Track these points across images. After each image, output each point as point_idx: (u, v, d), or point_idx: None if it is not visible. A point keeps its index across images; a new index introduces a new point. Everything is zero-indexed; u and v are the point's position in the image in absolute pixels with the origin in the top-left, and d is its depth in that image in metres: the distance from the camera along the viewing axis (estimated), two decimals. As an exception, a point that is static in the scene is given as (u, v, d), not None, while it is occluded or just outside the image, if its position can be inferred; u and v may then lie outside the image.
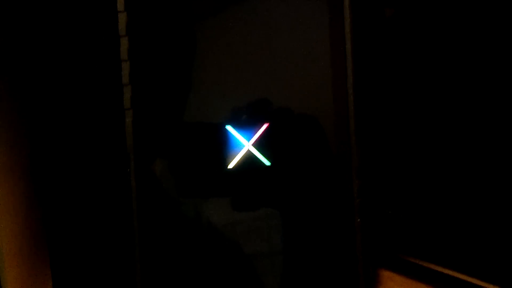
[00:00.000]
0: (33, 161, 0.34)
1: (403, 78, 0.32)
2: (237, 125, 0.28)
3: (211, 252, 0.29)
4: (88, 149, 0.35)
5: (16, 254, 0.33)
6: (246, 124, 0.28)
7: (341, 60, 0.28)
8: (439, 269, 0.30)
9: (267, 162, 0.28)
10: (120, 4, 0.28)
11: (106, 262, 0.35)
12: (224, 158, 0.28)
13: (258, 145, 0.28)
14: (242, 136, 0.28)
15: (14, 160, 0.33)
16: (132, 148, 0.28)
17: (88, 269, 0.35)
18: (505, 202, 0.28)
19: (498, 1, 0.28)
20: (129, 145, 0.28)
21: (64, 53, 0.34)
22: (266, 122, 0.28)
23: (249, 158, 0.28)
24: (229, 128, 0.28)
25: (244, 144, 0.28)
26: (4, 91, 0.32)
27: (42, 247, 0.35)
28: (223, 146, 0.28)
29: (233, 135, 0.28)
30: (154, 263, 0.28)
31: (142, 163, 0.28)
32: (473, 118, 0.29)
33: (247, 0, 0.28)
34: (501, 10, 0.28)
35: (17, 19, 0.34)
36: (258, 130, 0.28)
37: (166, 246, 0.29)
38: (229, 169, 0.28)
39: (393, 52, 0.32)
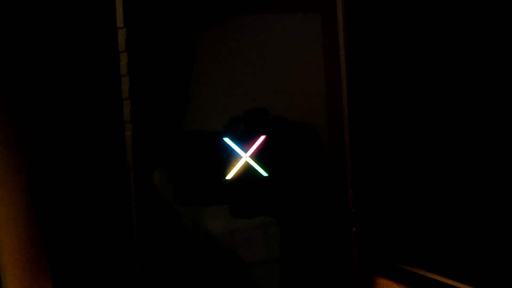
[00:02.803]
0: (34, 164, 0.35)
1: (397, 89, 0.32)
2: (235, 137, 0.29)
3: (209, 261, 0.29)
4: (89, 159, 0.35)
5: (16, 255, 0.33)
6: (244, 136, 0.29)
7: (336, 72, 0.29)
8: (435, 277, 0.31)
9: (264, 173, 0.29)
10: (120, 21, 0.28)
11: (106, 270, 0.35)
12: (222, 169, 0.29)
13: (255, 156, 0.29)
14: (240, 147, 0.29)
15: (15, 162, 0.33)
16: (131, 160, 0.29)
17: (87, 272, 0.36)
18: (501, 210, 0.29)
19: (494, 6, 0.28)
20: (129, 158, 0.29)
21: (67, 67, 0.35)
22: (263, 133, 0.29)
23: (247, 169, 0.29)
24: (227, 140, 0.29)
25: (242, 155, 0.29)
26: (4, 97, 0.33)
27: (42, 249, 0.35)
28: (221, 157, 0.29)
29: (231, 147, 0.29)
30: (153, 270, 0.29)
31: (142, 175, 0.29)
32: (467, 131, 0.30)
33: (244, 14, 0.29)
34: (497, 15, 0.28)
35: (21, 30, 0.34)
36: (255, 142, 0.29)
37: (165, 254, 0.29)
38: (227, 179, 0.29)
39: (388, 63, 0.32)
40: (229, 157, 0.29)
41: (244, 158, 0.29)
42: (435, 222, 0.31)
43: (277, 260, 0.29)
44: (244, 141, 0.29)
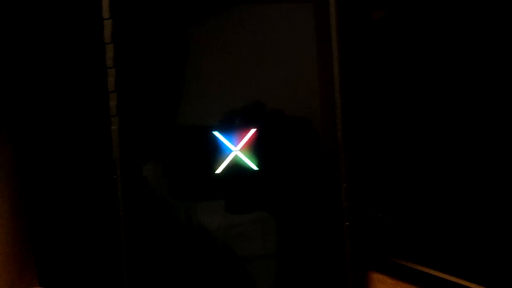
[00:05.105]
0: (19, 164, 0.34)
1: (390, 82, 0.32)
2: (225, 130, 0.28)
3: (203, 256, 0.29)
4: (76, 154, 0.35)
5: (2, 257, 0.33)
6: (235, 129, 0.28)
7: (329, 65, 0.28)
8: (430, 271, 0.30)
9: (255, 167, 0.28)
10: (106, 12, 0.28)
11: (93, 268, 0.35)
12: (212, 163, 0.28)
13: (246, 150, 0.28)
14: (230, 141, 0.28)
15: (0, 162, 0.33)
16: (118, 155, 0.28)
17: (75, 273, 0.35)
18: (496, 203, 0.29)
19: (489, 6, 0.28)
20: (115, 152, 0.28)
21: (51, 59, 0.34)
22: (254, 127, 0.28)
23: (237, 163, 0.28)
24: (216, 133, 0.28)
25: (231, 149, 0.28)
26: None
27: (28, 251, 0.35)
28: (211, 151, 0.28)
29: (220, 140, 0.28)
30: (143, 268, 0.28)
31: (129, 170, 0.28)
32: (459, 123, 0.30)
33: (236, 6, 0.28)
34: (492, 15, 0.28)
35: (6, 25, 0.34)
36: (246, 135, 0.28)
37: (157, 250, 0.29)
38: (217, 174, 0.28)
39: (381, 56, 0.32)
40: (219, 151, 0.28)
41: (234, 152, 0.28)
42: (429, 216, 0.31)
43: (270, 255, 0.29)
44: (234, 135, 0.28)
